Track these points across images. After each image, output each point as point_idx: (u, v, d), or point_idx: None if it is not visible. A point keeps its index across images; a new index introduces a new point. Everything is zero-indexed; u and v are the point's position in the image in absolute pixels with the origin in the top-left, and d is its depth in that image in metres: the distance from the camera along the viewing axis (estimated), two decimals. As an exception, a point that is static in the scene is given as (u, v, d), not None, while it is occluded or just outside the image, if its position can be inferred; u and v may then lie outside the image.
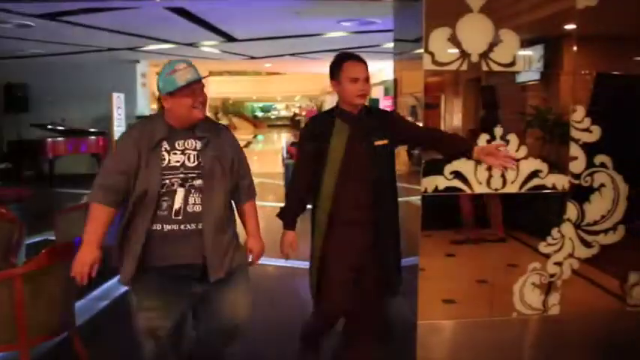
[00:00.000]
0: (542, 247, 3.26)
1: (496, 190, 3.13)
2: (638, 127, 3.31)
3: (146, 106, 13.60)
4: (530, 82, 3.42)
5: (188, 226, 2.41)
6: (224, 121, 17.96)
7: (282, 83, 28.03)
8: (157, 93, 2.54)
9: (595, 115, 3.21)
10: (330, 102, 19.75)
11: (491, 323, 3.29)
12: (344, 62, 2.81)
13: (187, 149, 2.47)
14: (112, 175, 2.42)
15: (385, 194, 2.89)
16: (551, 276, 3.28)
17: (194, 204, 2.43)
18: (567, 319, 3.32)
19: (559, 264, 3.27)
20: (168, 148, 2.44)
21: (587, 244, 3.28)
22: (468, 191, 3.13)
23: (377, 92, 15.27)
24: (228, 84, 27.48)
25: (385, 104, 13.04)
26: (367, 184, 2.83)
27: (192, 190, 2.43)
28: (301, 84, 27.16)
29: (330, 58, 2.97)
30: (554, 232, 3.25)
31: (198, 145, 2.48)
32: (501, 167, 3.00)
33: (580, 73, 3.29)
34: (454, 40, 3.03)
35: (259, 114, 39.52)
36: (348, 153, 2.81)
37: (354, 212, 2.85)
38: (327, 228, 2.86)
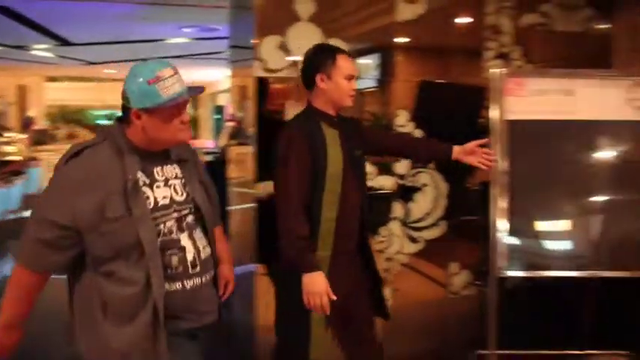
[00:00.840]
0: (374, 245, 3.45)
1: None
2: (457, 130, 3.62)
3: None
4: (368, 89, 3.62)
5: (204, 278, 1.89)
6: (64, 130, 16.76)
7: (128, 90, 26.92)
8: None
9: (418, 120, 3.47)
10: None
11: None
12: (337, 55, 2.33)
13: (169, 179, 1.85)
14: (49, 228, 1.68)
15: (367, 212, 2.47)
16: (384, 271, 3.48)
17: (203, 247, 1.89)
18: (400, 310, 3.54)
19: (390, 259, 3.49)
20: (147, 182, 1.78)
21: (414, 240, 3.53)
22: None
23: (224, 100, 15.23)
24: (68, 91, 25.83)
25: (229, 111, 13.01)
26: (358, 201, 2.40)
27: (192, 231, 1.87)
28: (148, 91, 26.28)
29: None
30: (383, 230, 3.46)
31: (178, 171, 1.89)
32: (482, 165, 2.68)
33: (405, 81, 3.54)
34: (284, 48, 3.12)
35: (103, 122, 37.64)
36: (345, 166, 2.33)
37: (348, 239, 2.40)
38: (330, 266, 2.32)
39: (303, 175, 2.25)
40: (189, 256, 1.82)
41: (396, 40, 3.52)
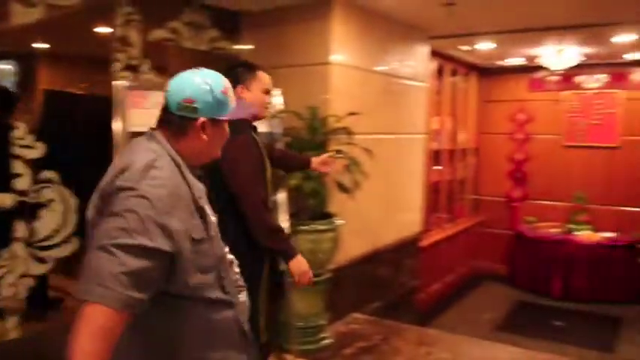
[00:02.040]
0: (-6, 271, 3.11)
1: None
2: (83, 142, 3.50)
3: None
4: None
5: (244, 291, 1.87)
6: None
7: None
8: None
9: (40, 132, 3.23)
10: None
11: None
12: (257, 70, 2.63)
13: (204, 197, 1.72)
14: (144, 255, 1.41)
15: None
16: (9, 299, 3.15)
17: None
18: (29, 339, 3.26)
19: (14, 285, 3.17)
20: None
21: (42, 260, 3.28)
22: None
23: None
24: None
25: None
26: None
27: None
28: None
29: None
30: (4, 253, 3.13)
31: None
32: (329, 171, 3.18)
33: (37, 90, 3.30)
34: None
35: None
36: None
37: None
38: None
39: (259, 174, 2.54)
40: (237, 269, 1.82)
41: (25, 46, 3.27)
